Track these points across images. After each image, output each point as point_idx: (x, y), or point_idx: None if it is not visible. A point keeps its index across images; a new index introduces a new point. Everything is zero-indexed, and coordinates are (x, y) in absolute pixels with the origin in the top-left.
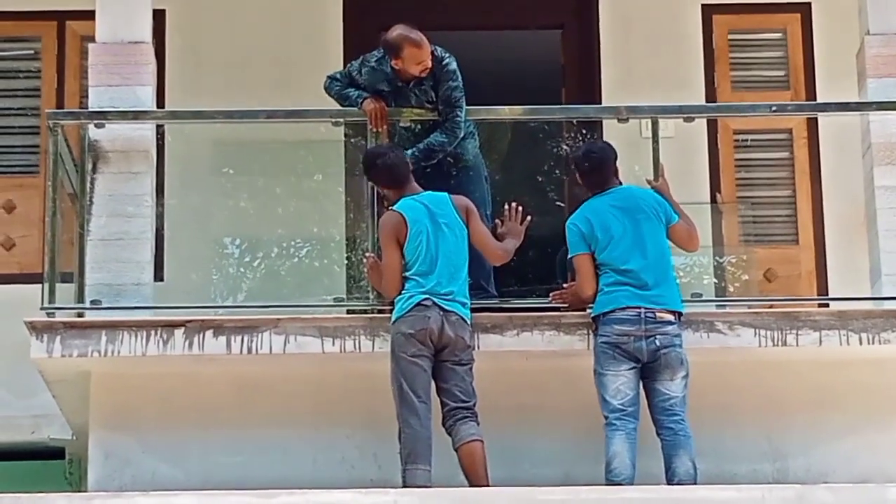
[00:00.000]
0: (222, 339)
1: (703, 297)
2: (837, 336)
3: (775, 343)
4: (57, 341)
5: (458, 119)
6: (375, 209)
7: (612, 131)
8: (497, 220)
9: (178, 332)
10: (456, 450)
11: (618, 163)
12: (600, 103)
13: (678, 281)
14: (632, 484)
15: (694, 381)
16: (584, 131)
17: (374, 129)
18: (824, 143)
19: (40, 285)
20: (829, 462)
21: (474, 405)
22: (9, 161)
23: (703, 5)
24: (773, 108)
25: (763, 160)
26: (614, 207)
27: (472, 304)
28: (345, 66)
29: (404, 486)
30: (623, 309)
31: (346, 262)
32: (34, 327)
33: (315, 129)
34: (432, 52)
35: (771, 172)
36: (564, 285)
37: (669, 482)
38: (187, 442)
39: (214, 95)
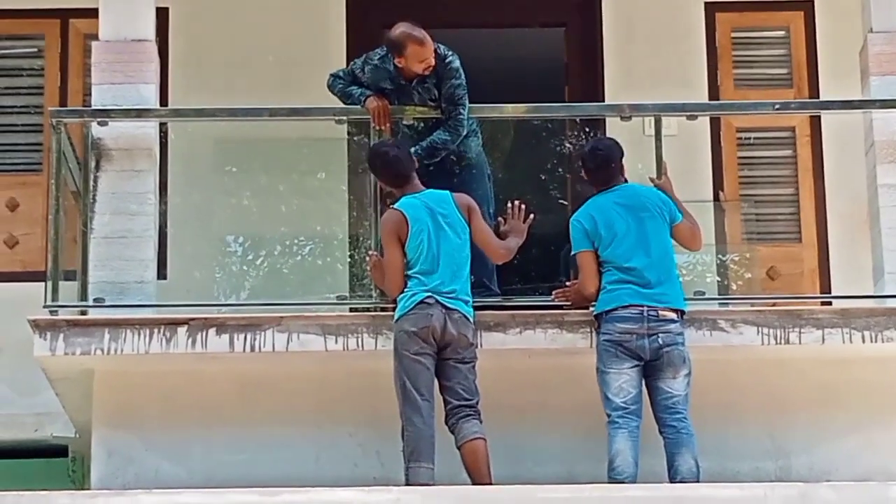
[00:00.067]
0: (225, 337)
1: (706, 296)
2: (840, 334)
3: (778, 341)
4: (60, 339)
5: (461, 117)
6: (378, 207)
7: (614, 129)
8: (500, 218)
9: (181, 331)
10: (459, 448)
11: (622, 161)
12: (603, 101)
13: (681, 279)
14: (634, 482)
15: (696, 379)
16: (586, 129)
17: (377, 127)
18: (827, 140)
19: (43, 283)
20: (831, 460)
21: (477, 403)
22: (12, 159)
23: (706, 3)
24: (776, 106)
25: (766, 158)
26: (619, 205)
27: (474, 302)
28: (348, 64)
29: (407, 485)
30: (626, 307)
31: (349, 260)
32: (37, 325)
33: (318, 126)
34: (435, 50)
35: (774, 170)
36: (567, 283)
37: (672, 480)
38: (190, 440)
39: (217, 93)
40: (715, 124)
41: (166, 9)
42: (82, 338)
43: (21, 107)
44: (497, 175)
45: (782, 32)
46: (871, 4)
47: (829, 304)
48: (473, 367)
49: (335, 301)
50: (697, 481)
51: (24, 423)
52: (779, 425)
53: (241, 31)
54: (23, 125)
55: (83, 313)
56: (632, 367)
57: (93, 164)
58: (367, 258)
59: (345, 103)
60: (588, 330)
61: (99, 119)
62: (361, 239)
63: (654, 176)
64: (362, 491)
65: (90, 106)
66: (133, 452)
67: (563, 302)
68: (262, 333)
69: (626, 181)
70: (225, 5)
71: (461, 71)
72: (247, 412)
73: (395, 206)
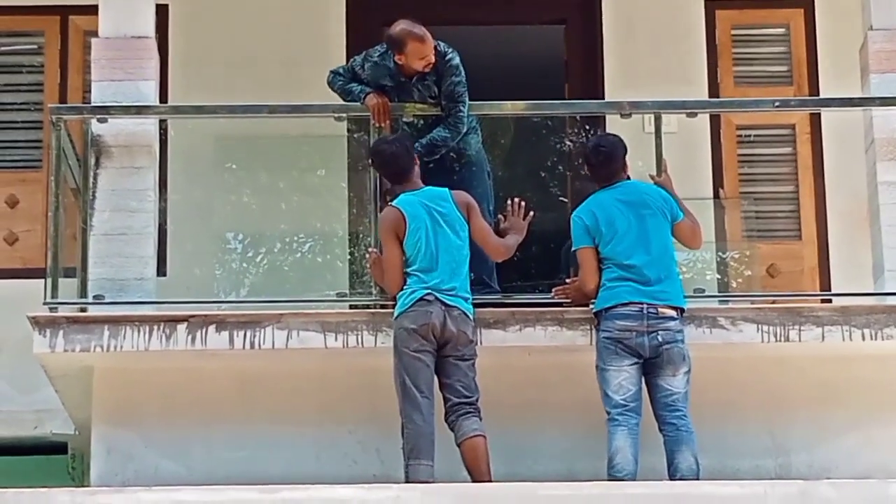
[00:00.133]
0: (225, 334)
1: (706, 293)
2: (840, 332)
3: (778, 339)
4: (60, 336)
5: (461, 114)
6: (378, 204)
7: (614, 127)
8: (500, 216)
9: (181, 328)
10: (458, 445)
11: (625, 157)
12: (603, 99)
13: (681, 276)
14: (634, 479)
15: (696, 376)
16: (586, 127)
17: (377, 125)
18: (827, 138)
19: (43, 280)
20: (831, 458)
21: (477, 400)
22: (12, 156)
23: (706, 0)
24: (776, 104)
25: (766, 156)
26: (620, 202)
27: (474, 299)
28: (347, 61)
29: (407, 482)
30: (625, 304)
31: (348, 257)
32: (37, 322)
33: (318, 123)
34: (435, 48)
35: (774, 168)
36: (567, 280)
37: (672, 478)
38: (190, 437)
39: (217, 90)
40: (715, 121)
41: (166, 6)
42: (82, 335)
43: (21, 103)
44: (497, 172)
45: (782, 30)
46: (871, 2)
47: (829, 301)
48: (473, 364)
49: (335, 298)
50: (697, 479)
51: (24, 419)
52: (779, 423)
53: (240, 29)
54: (22, 122)
55: (83, 310)
56: (631, 365)
57: (93, 160)
58: (367, 255)
59: (345, 100)
60: (588, 327)
61: (99, 116)
62: (361, 236)
63: (654, 173)
64: (362, 488)
65: (90, 103)
66: (133, 449)
67: (563, 299)
68: (262, 330)
69: (628, 178)
70: (225, 2)
71: (461, 68)
72: (246, 409)
73: (393, 203)
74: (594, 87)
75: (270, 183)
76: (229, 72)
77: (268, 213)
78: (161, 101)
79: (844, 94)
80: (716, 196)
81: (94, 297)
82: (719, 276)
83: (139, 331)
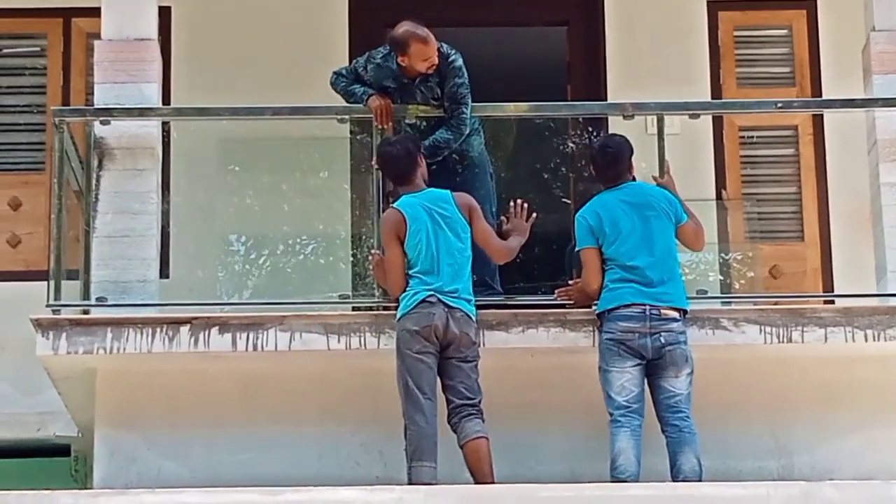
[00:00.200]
0: (228, 336)
1: (709, 294)
2: (843, 333)
3: (780, 340)
4: (62, 338)
5: (464, 116)
6: (381, 206)
7: (617, 128)
8: (502, 217)
9: (184, 330)
10: (461, 447)
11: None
12: (606, 100)
13: (683, 278)
14: (637, 481)
15: (699, 377)
16: (589, 128)
17: (380, 126)
18: (830, 139)
19: (46, 282)
20: (834, 459)
21: (479, 402)
22: (14, 158)
23: (708, 2)
24: (779, 105)
25: (768, 157)
26: (625, 203)
27: (477, 301)
28: (350, 62)
29: (410, 484)
30: (628, 306)
31: (351, 259)
32: (40, 324)
33: (321, 125)
34: (438, 49)
35: (776, 169)
36: (570, 282)
37: (674, 479)
38: (193, 439)
39: (220, 92)
40: (717, 123)
41: (169, 8)
42: (85, 337)
43: (23, 106)
44: (499, 174)
45: (785, 31)
46: (873, 3)
47: (832, 302)
48: (476, 365)
49: (338, 300)
50: (700, 480)
51: (27, 422)
52: (781, 424)
53: (243, 31)
54: (25, 124)
55: (86, 312)
56: (634, 366)
57: (95, 163)
58: (370, 257)
59: (347, 101)
60: (590, 329)
61: (101, 118)
62: (364, 238)
63: (657, 174)
64: (365, 490)
65: (93, 105)
66: (135, 452)
67: (566, 301)
68: (265, 332)
69: (633, 179)
70: (227, 4)
71: (464, 70)
72: (249, 411)
73: (395, 205)
74: (597, 89)
75: (273, 185)
76: (232, 73)
77: (270, 214)
78: (164, 103)
79: (847, 96)
80: (718, 197)
81: (97, 299)
82: (722, 278)
83: (142, 333)
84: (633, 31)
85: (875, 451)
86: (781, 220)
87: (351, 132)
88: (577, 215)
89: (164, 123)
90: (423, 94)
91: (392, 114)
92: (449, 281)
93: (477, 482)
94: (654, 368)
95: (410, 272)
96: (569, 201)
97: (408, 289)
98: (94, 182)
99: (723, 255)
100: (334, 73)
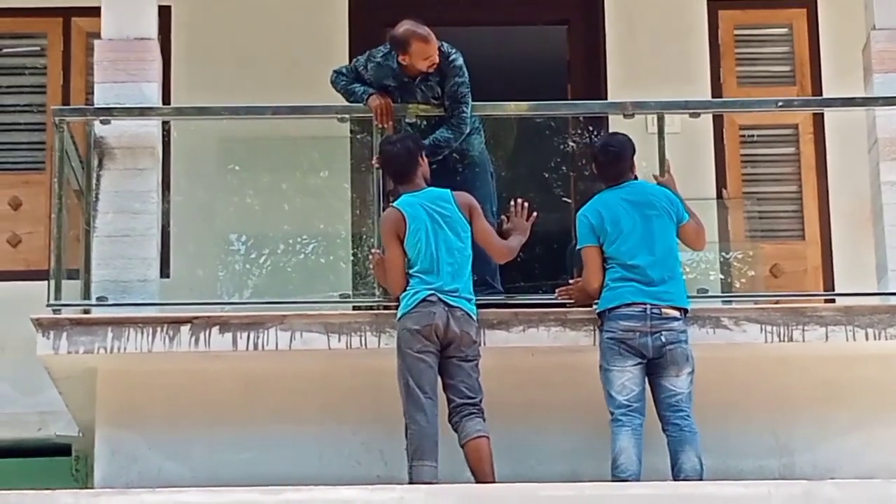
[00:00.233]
0: (228, 335)
1: (709, 293)
2: (843, 332)
3: (781, 339)
4: (63, 338)
5: (464, 115)
6: (381, 205)
7: (617, 127)
8: (503, 217)
9: (185, 329)
10: (462, 446)
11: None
12: (606, 99)
13: (684, 277)
14: (638, 480)
15: (700, 376)
16: (589, 127)
17: (380, 126)
18: (830, 138)
19: (46, 282)
20: (835, 458)
21: (480, 401)
22: (15, 158)
23: (708, 0)
24: (779, 104)
25: (769, 156)
26: (626, 202)
27: (477, 300)
28: (350, 61)
29: (410, 483)
30: (628, 305)
31: (351, 258)
32: (40, 324)
33: (321, 125)
34: (439, 48)
35: (777, 168)
36: (570, 281)
37: (675, 478)
38: (193, 438)
39: (220, 92)
40: (718, 122)
41: (168, 7)
42: (85, 336)
43: (24, 105)
44: (500, 173)
45: (785, 30)
46: (873, 2)
47: (833, 301)
48: (476, 365)
49: (338, 299)
50: (701, 479)
51: (28, 421)
52: (782, 423)
53: (243, 30)
54: (25, 124)
55: (86, 312)
56: (635, 365)
57: (95, 162)
58: (370, 256)
59: (347, 100)
60: (591, 328)
61: (101, 117)
62: (364, 237)
63: (658, 173)
64: (366, 489)
65: (93, 104)
66: (136, 451)
67: (567, 300)
68: (266, 332)
69: (635, 178)
70: (227, 4)
71: (465, 69)
72: (250, 411)
73: (394, 204)
74: (597, 88)
75: (273, 184)
76: (232, 73)
77: (271, 214)
78: (164, 103)
79: (847, 94)
80: (719, 196)
81: (98, 298)
82: (723, 277)
83: (142, 332)
84: (634, 30)
85: (876, 449)
86: (782, 218)
87: (351, 131)
88: (578, 213)
89: (165, 123)
90: (424, 93)
91: (392, 113)
92: (449, 280)
93: (478, 481)
94: (654, 367)
95: (410, 271)
96: (569, 200)
97: (408, 288)
98: (94, 181)
99: (723, 253)
100: (334, 71)
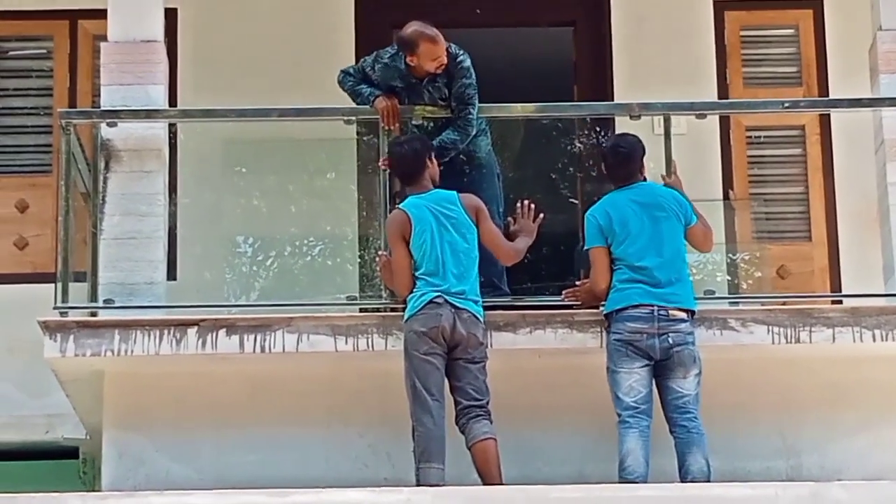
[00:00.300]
0: (235, 338)
1: (716, 295)
2: (851, 333)
3: (788, 340)
4: (70, 341)
5: (471, 117)
6: (388, 207)
7: (624, 128)
8: (509, 218)
9: (191, 332)
10: (469, 448)
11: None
12: (612, 100)
13: (691, 278)
14: (645, 482)
15: (707, 378)
16: (596, 128)
17: (387, 128)
18: (837, 139)
19: (53, 285)
20: (842, 459)
21: (487, 403)
22: (21, 160)
23: (714, 1)
24: (786, 105)
25: (776, 157)
26: (635, 203)
27: (484, 301)
28: (357, 62)
29: (417, 485)
30: (636, 306)
31: (358, 260)
32: (47, 327)
33: (327, 127)
34: (447, 49)
35: (783, 169)
36: (577, 282)
37: (683, 480)
38: (200, 441)
39: (226, 94)
40: (724, 123)
41: (175, 9)
42: (92, 339)
43: (30, 108)
44: (507, 174)
45: (791, 30)
46: (880, 2)
47: (840, 302)
48: (484, 367)
49: (345, 301)
50: (708, 481)
51: (35, 424)
52: (789, 424)
53: (249, 32)
54: (32, 126)
55: (93, 315)
56: (642, 367)
57: (102, 165)
58: (377, 258)
59: (354, 101)
60: (598, 329)
61: (108, 120)
62: (371, 239)
63: (665, 174)
64: (372, 492)
65: (99, 107)
66: (143, 454)
67: (573, 301)
68: (272, 334)
69: (644, 180)
70: (233, 5)
71: (472, 70)
72: (257, 413)
73: (400, 206)
74: (603, 89)
75: (280, 186)
76: (238, 74)
77: (277, 216)
78: (170, 105)
79: (854, 95)
80: (725, 197)
81: (105, 301)
82: (729, 278)
83: (149, 335)
84: (640, 32)
85: (883, 450)
86: (789, 220)
87: (358, 133)
88: (586, 214)
89: (171, 125)
90: (431, 94)
91: (398, 115)
92: (455, 282)
93: (485, 483)
94: (662, 369)
95: (416, 273)
96: (576, 202)
97: (415, 290)
98: (101, 184)
99: (730, 255)
100: (342, 71)
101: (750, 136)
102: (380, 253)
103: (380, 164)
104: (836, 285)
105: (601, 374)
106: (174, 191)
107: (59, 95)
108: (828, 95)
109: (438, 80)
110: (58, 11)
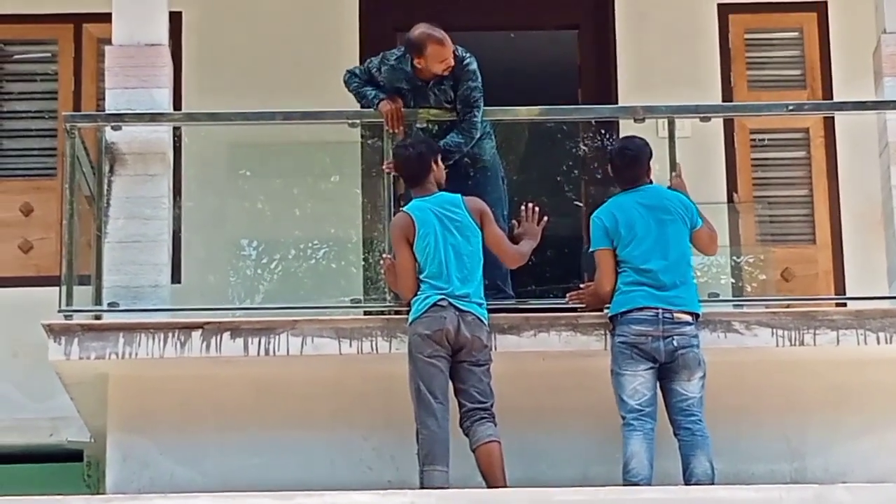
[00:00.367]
0: (239, 340)
1: (721, 297)
2: (855, 335)
3: (793, 343)
4: (74, 344)
5: (475, 120)
6: (392, 210)
7: (628, 131)
8: (514, 221)
9: (196, 335)
10: (473, 451)
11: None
12: (616, 103)
13: (696, 281)
14: (649, 484)
15: (711, 381)
16: (601, 131)
17: (391, 131)
18: (841, 142)
19: (58, 288)
20: (847, 462)
21: (491, 406)
22: (26, 164)
23: (718, 4)
24: (790, 108)
25: (780, 159)
26: (641, 205)
27: (488, 304)
28: (362, 63)
29: (422, 488)
30: (640, 309)
31: (362, 263)
32: (52, 330)
33: (332, 130)
34: (454, 52)
35: (788, 172)
36: (582, 285)
37: (687, 483)
38: (205, 444)
39: (231, 97)
40: (728, 126)
41: (179, 13)
42: (97, 342)
43: (35, 111)
44: (511, 177)
45: (795, 34)
46: (884, 5)
47: (844, 305)
48: (488, 369)
49: (349, 304)
50: (712, 484)
51: (39, 427)
52: (794, 427)
53: (253, 35)
54: (37, 130)
55: (98, 318)
56: (647, 370)
57: (107, 168)
58: (381, 261)
59: (359, 102)
60: (602, 332)
61: (113, 123)
62: (375, 242)
63: (669, 177)
64: (377, 494)
65: (104, 110)
66: (148, 457)
67: (578, 304)
68: (277, 337)
69: (651, 182)
70: (238, 9)
71: (478, 73)
72: (261, 416)
73: (404, 208)
74: (607, 92)
75: (284, 189)
76: (243, 78)
77: (282, 219)
78: (175, 108)
79: (858, 98)
80: (730, 200)
81: (109, 304)
82: (734, 281)
83: (154, 338)
84: (644, 35)
85: (888, 453)
86: (793, 222)
87: (362, 136)
88: (592, 216)
89: (175, 128)
90: (437, 96)
91: (402, 118)
92: (459, 285)
93: (489, 486)
94: (666, 372)
95: (421, 276)
96: (580, 204)
97: (419, 293)
98: (105, 187)
99: (734, 258)
100: (348, 71)
101: (754, 139)
102: (384, 256)
103: (384, 167)
104: (840, 288)
105: (605, 377)
106: (178, 194)
107: (64, 99)
108: (832, 98)
109: (444, 83)
110: (62, 15)
